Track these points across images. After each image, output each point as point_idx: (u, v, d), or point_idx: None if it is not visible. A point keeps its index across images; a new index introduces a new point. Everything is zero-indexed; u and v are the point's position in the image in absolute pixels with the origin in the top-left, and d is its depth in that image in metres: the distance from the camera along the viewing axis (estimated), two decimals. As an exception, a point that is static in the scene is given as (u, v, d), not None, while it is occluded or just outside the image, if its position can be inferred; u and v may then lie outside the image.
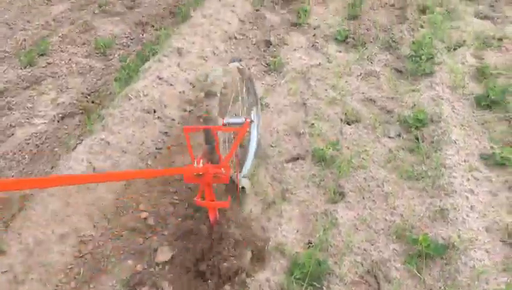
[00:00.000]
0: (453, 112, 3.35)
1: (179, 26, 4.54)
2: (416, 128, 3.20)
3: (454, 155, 2.93)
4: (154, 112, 3.43)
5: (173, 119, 3.45)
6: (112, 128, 3.16)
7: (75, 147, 3.06)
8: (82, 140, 3.19)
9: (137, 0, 5.52)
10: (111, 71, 4.20)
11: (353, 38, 4.37)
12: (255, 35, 4.61)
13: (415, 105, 3.40)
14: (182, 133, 3.29)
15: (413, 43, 4.11)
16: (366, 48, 4.21)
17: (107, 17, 5.17)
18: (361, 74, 3.89)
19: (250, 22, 4.87)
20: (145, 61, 4.04)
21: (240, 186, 2.60)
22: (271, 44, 4.44)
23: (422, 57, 3.81)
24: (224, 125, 2.39)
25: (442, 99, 3.42)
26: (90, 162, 2.88)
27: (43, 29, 4.91)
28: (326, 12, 5.00)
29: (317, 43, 4.38)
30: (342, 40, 4.38)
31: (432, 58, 3.88)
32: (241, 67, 2.68)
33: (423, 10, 4.75)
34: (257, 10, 5.09)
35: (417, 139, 3.13)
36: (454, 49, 4.09)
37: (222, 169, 2.13)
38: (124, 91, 3.48)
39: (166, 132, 3.34)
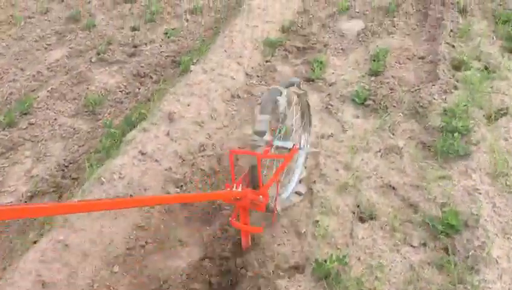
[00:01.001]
0: (494, 212, 2.67)
1: (175, 84, 4.04)
2: (447, 235, 2.55)
3: (496, 282, 2.26)
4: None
5: (152, 207, 2.92)
6: (75, 224, 2.65)
7: (26, 251, 2.55)
8: (41, 235, 2.69)
9: (140, 47, 5.08)
10: (96, 135, 3.74)
11: (373, 101, 3.76)
12: (262, 93, 4.06)
13: (445, 202, 2.74)
14: (162, 226, 2.80)
15: (445, 111, 3.46)
16: (389, 114, 3.59)
17: (104, 66, 4.75)
18: (380, 149, 3.27)
19: (257, 76, 4.34)
20: (133, 127, 3.55)
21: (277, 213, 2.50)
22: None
23: (455, 133, 3.15)
24: (271, 146, 2.35)
25: (480, 193, 2.76)
26: (39, 275, 2.36)
27: (34, 80, 4.52)
28: (345, 64, 4.42)
29: (331, 105, 3.80)
30: (361, 102, 3.77)
31: (467, 132, 3.22)
32: (299, 92, 2.58)
33: (458, 66, 4.09)
34: (267, 61, 4.56)
35: (447, 251, 2.47)
36: (496, 119, 3.40)
37: (260, 197, 2.19)
38: (96, 173, 2.98)
39: (142, 226, 2.80)
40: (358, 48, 4.68)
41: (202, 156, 3.36)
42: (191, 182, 3.15)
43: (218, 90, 3.96)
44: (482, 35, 4.57)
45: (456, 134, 3.15)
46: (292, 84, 2.48)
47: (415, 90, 3.84)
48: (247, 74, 4.31)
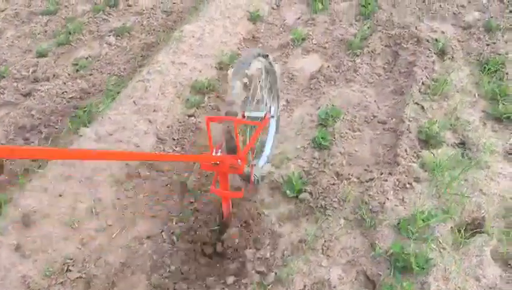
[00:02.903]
0: None
1: (66, 145, 3.05)
2: None
3: None
4: None
5: None
6: None
7: None
8: None
9: (40, 82, 4.06)
10: None
11: (310, 194, 2.84)
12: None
13: None
14: None
15: (399, 224, 2.54)
16: (327, 218, 2.67)
17: (-14, 112, 3.73)
18: (305, 286, 2.35)
19: (173, 140, 3.40)
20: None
21: (254, 178, 2.57)
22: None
23: (408, 267, 2.25)
24: (244, 118, 2.38)
25: None
26: None
27: None
28: (287, 126, 3.47)
29: (253, 201, 2.85)
30: (294, 195, 2.84)
31: (425, 266, 2.31)
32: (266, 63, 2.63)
33: (426, 140, 3.16)
34: (190, 116, 3.58)
35: None
36: (466, 240, 2.50)
37: (238, 160, 2.23)
38: None
39: None
40: (307, 100, 3.72)
41: (63, 281, 2.42)
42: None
43: (107, 169, 2.99)
44: (462, 91, 3.62)
45: (408, 269, 2.24)
46: (259, 55, 2.52)
47: (366, 182, 2.89)
48: (158, 138, 3.34)
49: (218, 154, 2.18)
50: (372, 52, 4.14)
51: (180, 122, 3.51)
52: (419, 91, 3.58)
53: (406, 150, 3.06)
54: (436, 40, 4.16)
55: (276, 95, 3.03)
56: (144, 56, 4.42)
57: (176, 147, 3.33)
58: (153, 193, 2.97)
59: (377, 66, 4.02)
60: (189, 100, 3.68)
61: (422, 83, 3.66)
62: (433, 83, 3.68)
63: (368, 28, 4.48)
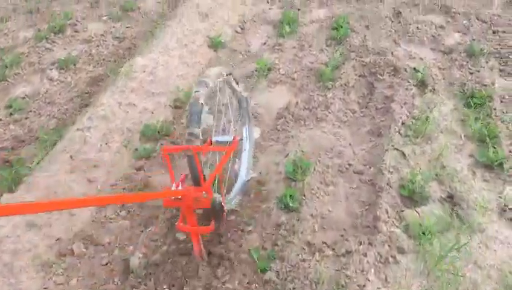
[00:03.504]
0: None
1: None
2: None
3: None
4: None
5: None
6: None
7: None
8: None
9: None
10: None
11: (277, 274, 2.37)
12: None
13: None
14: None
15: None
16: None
17: None
18: None
19: (115, 209, 2.86)
20: None
21: (226, 210, 2.31)
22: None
23: None
24: (211, 143, 2.25)
25: None
26: None
27: None
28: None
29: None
30: (260, 272, 2.37)
31: None
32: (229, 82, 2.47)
33: (409, 197, 2.73)
34: (139, 169, 3.08)
35: None
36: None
37: (203, 192, 2.06)
38: None
39: None
40: (274, 146, 3.26)
41: None
42: None
43: (32, 250, 2.46)
44: (446, 131, 3.22)
45: None
46: (221, 75, 2.31)
47: (342, 256, 2.45)
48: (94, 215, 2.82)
49: (179, 187, 2.04)
50: (346, 84, 3.71)
51: (126, 179, 3.01)
52: (399, 133, 3.17)
53: (386, 211, 2.63)
54: (415, 69, 3.76)
55: (246, 114, 2.84)
56: (89, 93, 3.89)
57: (121, 211, 2.83)
58: (90, 276, 2.46)
59: (351, 101, 3.60)
60: (138, 150, 3.17)
61: (402, 123, 3.24)
62: (413, 121, 3.27)
63: (340, 54, 4.05)
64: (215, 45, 4.36)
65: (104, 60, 4.35)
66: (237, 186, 2.74)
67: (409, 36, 4.31)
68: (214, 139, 2.31)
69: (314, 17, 4.80)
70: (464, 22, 4.45)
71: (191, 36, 4.32)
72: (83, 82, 4.04)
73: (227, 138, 2.47)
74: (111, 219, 2.77)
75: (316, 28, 4.59)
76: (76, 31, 4.73)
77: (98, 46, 4.52)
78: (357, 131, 3.35)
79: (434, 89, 3.60)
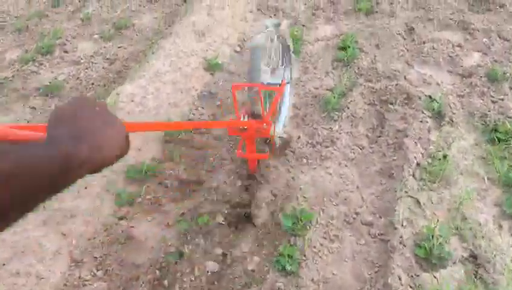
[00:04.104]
0: None
1: None
2: None
3: None
4: None
5: None
6: None
7: None
8: None
9: None
10: None
11: None
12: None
13: None
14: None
15: None
16: None
17: None
18: None
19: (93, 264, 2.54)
20: None
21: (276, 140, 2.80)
22: None
23: None
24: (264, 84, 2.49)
25: None
26: None
27: None
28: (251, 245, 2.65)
29: None
30: None
31: None
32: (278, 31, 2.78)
33: (426, 259, 2.37)
34: (121, 218, 2.76)
35: None
36: None
37: (264, 124, 2.37)
38: None
39: None
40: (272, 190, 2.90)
41: None
42: None
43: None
44: (467, 172, 2.85)
45: None
46: (274, 25, 2.67)
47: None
48: (73, 260, 2.51)
49: (245, 119, 2.28)
50: (353, 115, 3.35)
51: (106, 231, 2.69)
52: (413, 176, 2.80)
53: (399, 277, 2.27)
54: (430, 97, 3.38)
55: (289, 59, 3.19)
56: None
57: (97, 271, 2.50)
58: None
59: (360, 135, 3.24)
60: (121, 195, 2.84)
61: (417, 164, 2.87)
62: (429, 161, 2.90)
63: (348, 79, 3.69)
64: (211, 67, 4.02)
65: (92, 84, 4.04)
66: (280, 123, 3.13)
67: (423, 56, 3.93)
68: (266, 82, 2.56)
69: (320, 35, 4.45)
70: (484, 40, 4.05)
71: (185, 58, 3.99)
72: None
73: (277, 79, 2.79)
74: (86, 280, 2.45)
75: (321, 47, 4.23)
76: (65, 51, 4.43)
77: (87, 68, 4.21)
78: (366, 171, 2.98)
79: (452, 121, 3.22)
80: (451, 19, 4.37)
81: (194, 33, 4.31)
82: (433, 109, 3.27)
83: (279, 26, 2.79)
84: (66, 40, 4.60)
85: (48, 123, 0.73)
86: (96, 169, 0.76)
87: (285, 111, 3.26)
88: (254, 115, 2.36)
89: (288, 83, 3.19)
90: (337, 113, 3.38)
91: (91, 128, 0.73)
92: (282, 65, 3.08)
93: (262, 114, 2.36)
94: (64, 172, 0.67)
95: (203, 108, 3.69)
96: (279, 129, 3.04)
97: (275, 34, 2.75)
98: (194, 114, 3.59)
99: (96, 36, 4.70)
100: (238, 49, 4.37)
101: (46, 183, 0.66)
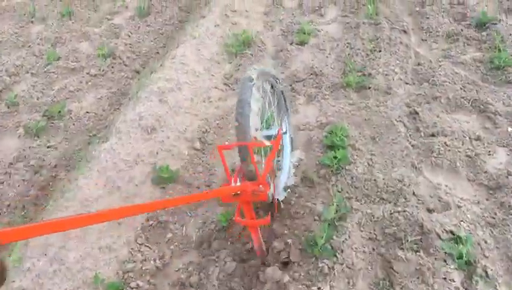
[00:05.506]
0: None
1: None
2: None
3: None
4: None
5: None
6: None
7: None
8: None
9: None
10: None
11: None
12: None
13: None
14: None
15: None
16: None
17: None
18: None
19: None
20: None
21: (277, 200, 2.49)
22: None
23: None
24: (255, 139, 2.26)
25: None
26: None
27: None
28: None
29: None
30: None
31: None
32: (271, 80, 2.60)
33: None
34: None
35: None
36: None
37: (260, 186, 2.14)
38: None
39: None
40: None
41: None
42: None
43: None
44: None
45: None
46: (264, 75, 2.45)
47: None
48: None
49: (238, 184, 2.11)
50: (349, 266, 2.41)
51: None
52: None
53: None
54: (453, 233, 2.47)
55: (285, 108, 2.89)
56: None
57: None
58: None
59: (360, 301, 2.29)
60: None
61: None
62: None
63: (339, 200, 2.77)
64: (162, 179, 3.08)
65: (6, 212, 3.06)
66: (283, 178, 2.76)
67: (433, 157, 3.04)
68: (258, 135, 2.30)
69: (301, 121, 3.54)
70: (510, 129, 3.17)
71: (126, 171, 3.04)
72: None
73: (271, 131, 2.54)
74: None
75: (303, 142, 3.32)
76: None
77: (2, 182, 3.24)
78: None
79: (486, 274, 2.30)
80: (463, 97, 3.49)
81: (141, 129, 3.37)
82: (460, 256, 2.35)
83: (266, 73, 2.51)
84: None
85: None
86: None
87: (288, 165, 2.86)
88: (249, 176, 2.15)
89: (285, 133, 2.88)
90: (327, 262, 2.44)
91: None
92: (278, 113, 2.78)
93: (257, 174, 2.14)
94: None
95: (148, 245, 2.74)
96: (280, 189, 2.66)
97: (262, 83, 2.46)
98: (134, 261, 2.64)
99: (21, 130, 3.73)
100: (198, 145, 3.44)
101: None
